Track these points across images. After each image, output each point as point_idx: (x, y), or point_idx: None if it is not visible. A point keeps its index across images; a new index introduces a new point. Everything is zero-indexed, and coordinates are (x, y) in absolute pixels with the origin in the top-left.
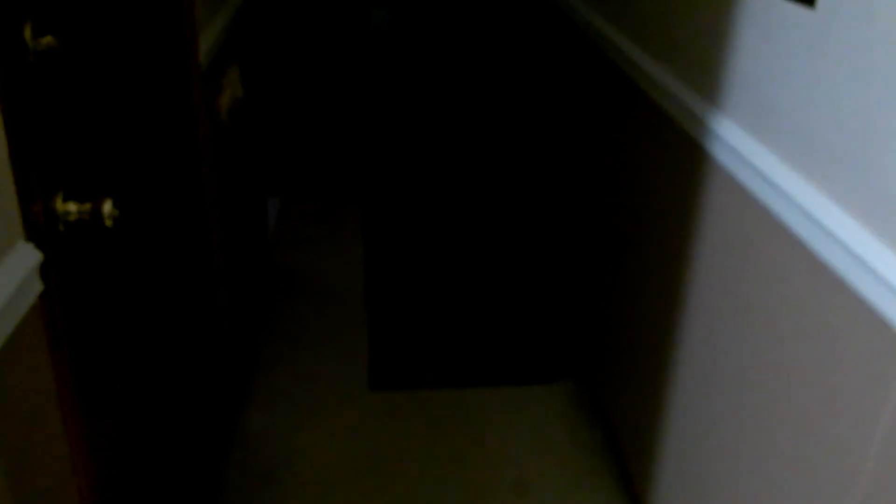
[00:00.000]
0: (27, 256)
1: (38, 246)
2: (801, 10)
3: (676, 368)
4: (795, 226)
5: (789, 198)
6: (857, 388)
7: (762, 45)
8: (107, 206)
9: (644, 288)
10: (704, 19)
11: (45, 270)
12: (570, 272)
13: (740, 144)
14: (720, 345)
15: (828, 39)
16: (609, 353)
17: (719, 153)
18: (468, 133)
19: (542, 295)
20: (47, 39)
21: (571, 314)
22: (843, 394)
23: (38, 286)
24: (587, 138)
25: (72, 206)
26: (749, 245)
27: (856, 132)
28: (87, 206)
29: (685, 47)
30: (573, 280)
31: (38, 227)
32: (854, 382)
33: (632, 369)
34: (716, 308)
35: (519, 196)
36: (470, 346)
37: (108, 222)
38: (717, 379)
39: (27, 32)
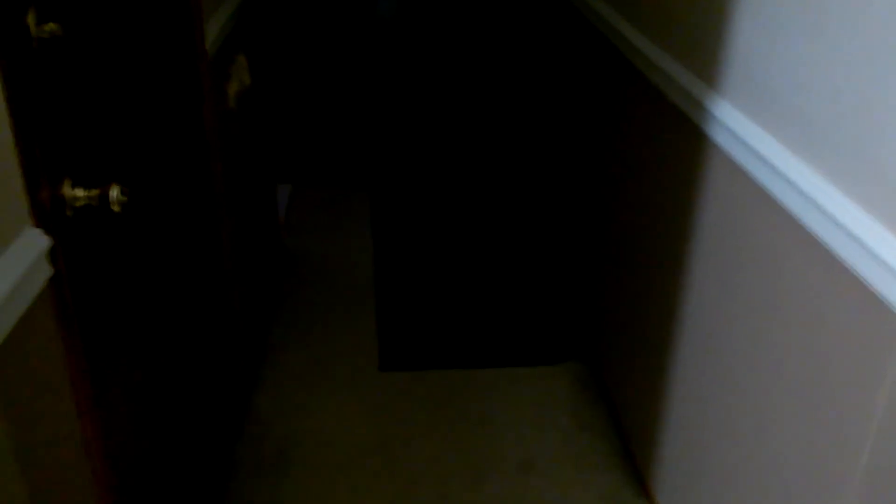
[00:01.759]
0: (35, 241)
1: (47, 231)
2: None
3: (677, 349)
4: (794, 207)
5: (787, 179)
6: (855, 367)
7: (760, 27)
8: (114, 192)
9: (645, 269)
10: (704, 3)
11: (54, 255)
12: (574, 254)
13: (738, 127)
14: (720, 325)
15: (825, 21)
16: (612, 334)
17: (718, 135)
18: (473, 117)
19: (546, 277)
20: (50, 26)
21: (576, 296)
22: (841, 372)
23: (47, 270)
24: (588, 122)
25: (79, 192)
26: (748, 226)
27: (853, 115)
28: (95, 191)
29: (684, 30)
30: (577, 262)
31: (46, 212)
32: (851, 361)
33: (634, 350)
34: (715, 289)
35: (523, 180)
36: (476, 328)
37: (116, 208)
38: (717, 359)
39: (30, 19)
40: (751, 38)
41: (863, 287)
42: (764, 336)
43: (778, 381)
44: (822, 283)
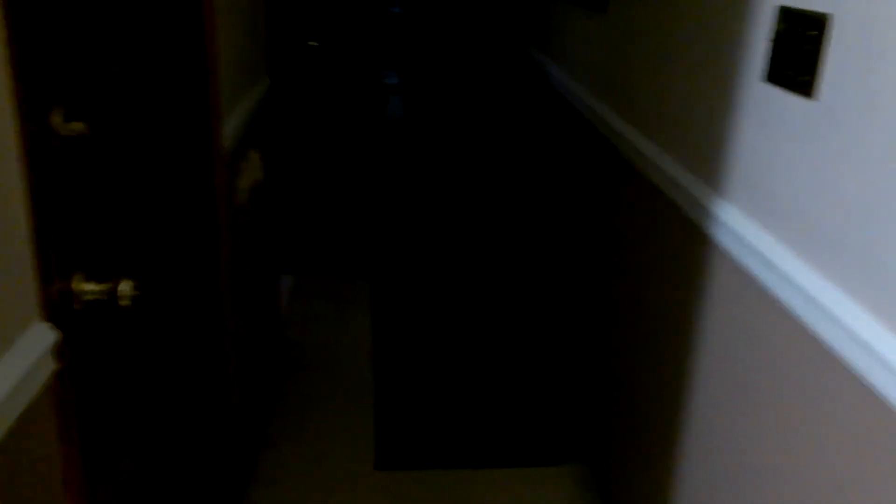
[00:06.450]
0: (42, 336)
1: (54, 325)
2: (801, 101)
3: (683, 452)
4: (797, 309)
5: (791, 281)
6: (862, 469)
7: (763, 133)
8: (124, 286)
9: (650, 370)
10: (707, 110)
11: (59, 349)
12: (578, 353)
13: (742, 229)
14: (725, 428)
15: (828, 129)
16: (616, 435)
17: (722, 238)
18: (476, 215)
19: (550, 376)
20: (76, 125)
21: (579, 395)
22: (849, 474)
23: (51, 365)
24: (594, 225)
25: (90, 286)
26: (752, 327)
27: (855, 218)
28: (105, 286)
29: (689, 137)
30: (580, 360)
31: (55, 306)
32: (859, 465)
33: (638, 452)
34: (720, 390)
35: (526, 277)
36: (477, 427)
37: (125, 302)
38: (724, 463)
39: (55, 118)
40: (753, 144)
41: (868, 389)
42: (771, 438)
43: (784, 484)
44: (826, 385)
